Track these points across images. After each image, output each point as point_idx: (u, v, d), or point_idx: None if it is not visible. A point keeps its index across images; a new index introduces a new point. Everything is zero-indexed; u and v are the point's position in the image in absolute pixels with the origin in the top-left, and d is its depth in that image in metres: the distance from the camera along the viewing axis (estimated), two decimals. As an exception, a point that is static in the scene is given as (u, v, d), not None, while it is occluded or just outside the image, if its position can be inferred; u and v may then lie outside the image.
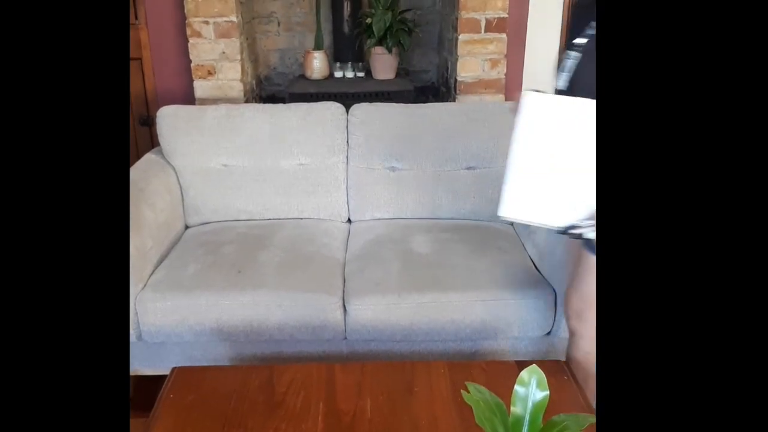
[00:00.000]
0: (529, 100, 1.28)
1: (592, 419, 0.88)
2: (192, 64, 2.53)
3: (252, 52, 2.79)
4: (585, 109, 1.23)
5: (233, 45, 2.50)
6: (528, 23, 2.72)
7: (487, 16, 2.50)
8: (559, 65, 1.31)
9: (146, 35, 2.65)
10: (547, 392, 0.92)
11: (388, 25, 2.63)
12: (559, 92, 1.31)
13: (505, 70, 2.60)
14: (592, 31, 1.27)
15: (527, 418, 0.92)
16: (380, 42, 2.67)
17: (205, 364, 1.77)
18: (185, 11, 2.45)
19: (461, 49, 2.54)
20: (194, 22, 2.47)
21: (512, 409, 0.93)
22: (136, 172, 2.05)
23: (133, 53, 2.67)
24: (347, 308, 1.72)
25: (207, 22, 2.47)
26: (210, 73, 2.54)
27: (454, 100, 2.61)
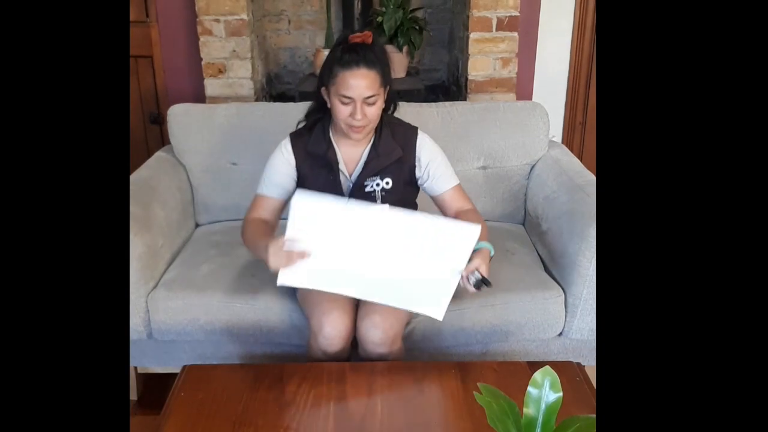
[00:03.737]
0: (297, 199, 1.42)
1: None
2: (203, 62, 2.53)
3: (262, 50, 2.79)
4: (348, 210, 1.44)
5: (244, 43, 2.50)
6: (539, 22, 2.71)
7: (499, 15, 2.49)
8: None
9: (157, 33, 2.65)
10: (561, 394, 0.91)
11: (398, 23, 2.63)
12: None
13: (516, 69, 2.59)
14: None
15: (540, 419, 0.92)
16: (391, 40, 2.67)
17: (216, 362, 1.77)
18: (196, 9, 2.45)
19: (472, 48, 2.53)
20: (205, 20, 2.47)
21: (525, 410, 0.92)
22: (146, 170, 2.05)
23: (143, 51, 2.67)
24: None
25: (218, 20, 2.47)
26: (220, 71, 2.54)
27: (465, 99, 2.60)
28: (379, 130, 1.60)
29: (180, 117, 2.15)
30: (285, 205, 1.63)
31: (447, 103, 2.20)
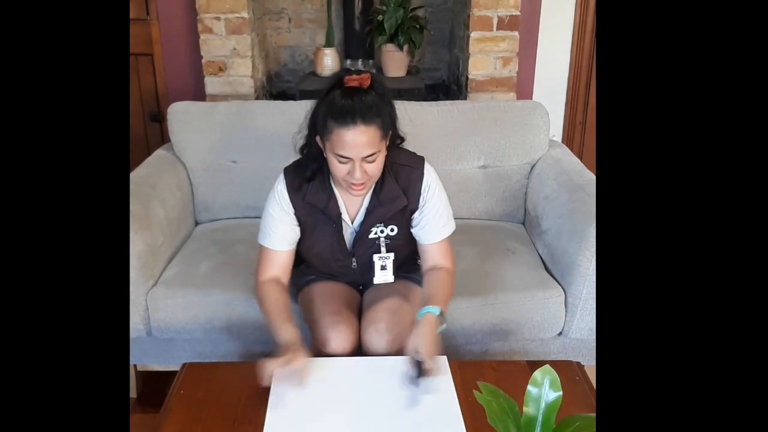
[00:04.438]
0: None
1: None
2: (203, 60, 2.53)
3: (263, 48, 2.79)
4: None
5: (244, 41, 2.50)
6: (540, 21, 2.70)
7: (499, 14, 2.49)
8: None
9: (157, 31, 2.65)
10: (560, 393, 0.92)
11: (399, 22, 2.62)
12: None
13: (516, 68, 2.59)
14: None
15: (540, 418, 0.92)
16: (391, 39, 2.66)
17: (215, 360, 1.77)
18: (196, 7, 2.45)
19: (473, 47, 2.53)
20: (205, 18, 2.47)
21: (525, 409, 0.92)
22: (146, 168, 2.05)
23: (143, 49, 2.67)
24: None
25: (218, 18, 2.47)
26: (221, 70, 2.54)
27: (465, 98, 2.60)
28: (381, 176, 1.46)
29: (180, 115, 2.14)
30: (294, 252, 1.56)
31: (447, 102, 2.20)
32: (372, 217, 1.50)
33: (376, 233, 1.52)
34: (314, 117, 1.41)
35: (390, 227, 1.52)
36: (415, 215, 1.52)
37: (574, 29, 2.80)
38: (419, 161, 1.53)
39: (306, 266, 1.67)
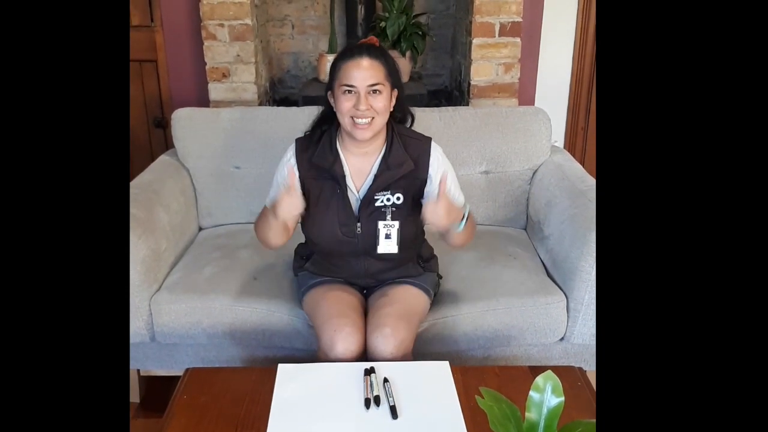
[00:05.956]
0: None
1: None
2: (207, 67, 2.54)
3: (266, 54, 2.80)
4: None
5: (248, 48, 2.51)
6: (542, 27, 2.71)
7: (501, 20, 2.50)
8: None
9: (161, 37, 2.66)
10: (562, 398, 0.92)
11: (401, 28, 2.63)
12: None
13: (518, 75, 2.59)
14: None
15: (542, 424, 0.92)
16: (394, 46, 2.67)
17: (218, 365, 1.78)
18: (200, 14, 2.47)
19: (475, 53, 2.54)
20: (209, 24, 2.48)
21: (527, 414, 0.92)
22: (150, 173, 2.06)
23: (148, 55, 2.69)
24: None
25: (222, 25, 2.48)
26: (224, 76, 2.55)
27: (468, 104, 2.61)
28: (389, 142, 1.53)
29: (184, 121, 2.16)
30: (298, 218, 1.55)
31: (449, 108, 2.21)
32: (380, 180, 1.53)
33: (382, 201, 1.53)
34: (329, 76, 1.53)
35: (396, 195, 1.53)
36: (428, 187, 1.55)
37: (576, 35, 2.81)
38: (426, 138, 1.61)
39: (311, 264, 1.67)
